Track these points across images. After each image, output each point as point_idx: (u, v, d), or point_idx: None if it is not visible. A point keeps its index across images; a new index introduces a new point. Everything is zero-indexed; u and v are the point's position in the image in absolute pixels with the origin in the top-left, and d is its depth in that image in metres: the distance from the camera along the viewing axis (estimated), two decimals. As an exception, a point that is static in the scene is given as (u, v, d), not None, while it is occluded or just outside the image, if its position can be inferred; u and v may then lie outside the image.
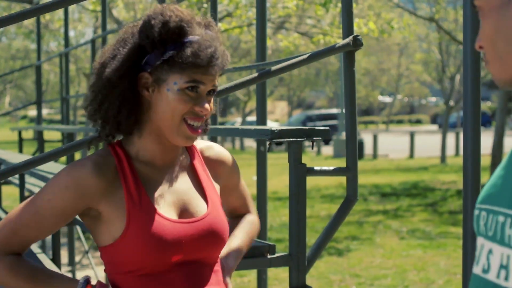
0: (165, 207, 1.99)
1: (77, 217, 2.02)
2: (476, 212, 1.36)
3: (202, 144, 2.19)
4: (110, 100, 1.97)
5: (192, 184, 2.08)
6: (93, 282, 2.01)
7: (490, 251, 1.30)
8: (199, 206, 2.05)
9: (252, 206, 2.38)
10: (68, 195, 1.93)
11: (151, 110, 1.99)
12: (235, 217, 2.36)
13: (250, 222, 2.33)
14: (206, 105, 1.97)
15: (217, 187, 2.15)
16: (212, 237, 2.02)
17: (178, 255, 1.95)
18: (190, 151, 2.14)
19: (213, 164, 2.17)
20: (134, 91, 1.98)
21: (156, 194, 1.99)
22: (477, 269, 1.33)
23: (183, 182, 2.06)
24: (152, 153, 2.02)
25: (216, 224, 2.04)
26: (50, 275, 1.97)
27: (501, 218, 1.27)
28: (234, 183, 2.25)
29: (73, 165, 1.97)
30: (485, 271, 1.30)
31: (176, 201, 2.02)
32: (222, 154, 2.20)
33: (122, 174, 1.97)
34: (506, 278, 1.25)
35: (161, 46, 1.95)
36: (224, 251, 2.21)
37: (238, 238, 2.26)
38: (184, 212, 2.02)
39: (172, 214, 1.99)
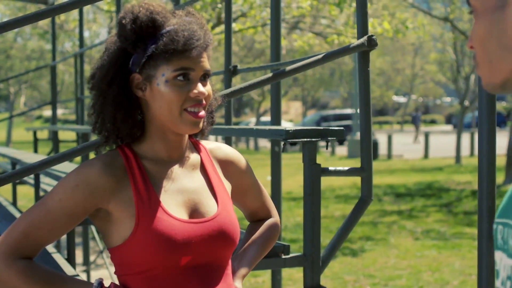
0: (175, 206, 1.98)
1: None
2: (494, 226, 1.35)
3: (211, 144, 2.18)
4: (105, 109, 1.99)
5: (202, 183, 2.07)
6: (106, 284, 2.00)
7: (505, 264, 1.29)
8: (210, 206, 2.04)
9: (273, 209, 2.36)
10: (78, 194, 1.93)
11: (150, 109, 2.00)
12: (256, 221, 2.34)
13: (269, 227, 2.31)
14: (200, 87, 1.97)
15: (227, 186, 2.14)
16: (222, 238, 2.01)
17: (187, 256, 1.94)
18: (199, 151, 2.13)
19: (223, 163, 2.16)
20: (128, 95, 1.99)
21: (166, 193, 1.99)
22: (497, 283, 1.33)
23: (193, 181, 2.06)
24: (159, 152, 2.03)
25: (227, 224, 2.03)
26: (63, 279, 1.96)
27: (510, 231, 1.27)
28: (247, 183, 2.23)
29: (82, 165, 1.98)
30: (503, 283, 1.29)
31: (186, 200, 2.01)
32: (231, 154, 2.19)
33: (131, 174, 1.98)
34: None
35: (141, 44, 1.95)
36: (238, 255, 2.20)
37: (255, 243, 2.25)
38: (194, 211, 2.01)
39: (182, 214, 1.98)
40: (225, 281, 2.04)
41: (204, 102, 1.99)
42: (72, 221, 1.96)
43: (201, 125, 2.00)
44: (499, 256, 1.33)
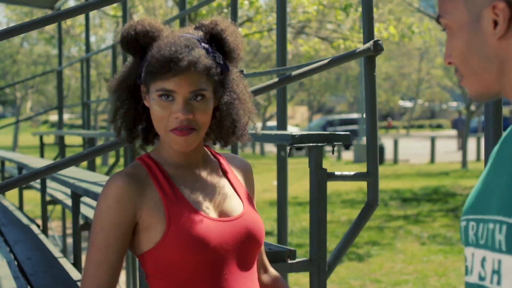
0: (203, 205, 2.00)
1: None
2: (463, 223, 1.38)
3: (224, 154, 2.20)
4: (119, 110, 2.04)
5: (225, 184, 2.09)
6: None
7: (483, 259, 1.31)
8: (234, 206, 2.05)
9: None
10: (113, 213, 1.94)
11: None
12: None
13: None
14: (180, 111, 1.91)
15: (248, 190, 2.17)
16: (249, 237, 2.01)
17: (217, 254, 1.94)
18: (216, 157, 2.15)
19: (240, 171, 2.18)
20: (138, 103, 2.03)
21: (192, 194, 2.00)
22: (472, 278, 1.35)
23: (216, 183, 2.07)
24: (176, 158, 2.04)
25: (254, 222, 2.04)
26: None
27: (491, 225, 1.29)
28: (251, 194, 2.24)
29: (105, 186, 1.99)
30: (482, 278, 1.31)
31: (212, 200, 2.03)
32: (245, 164, 2.22)
33: (155, 179, 1.99)
34: (499, 283, 1.27)
35: (143, 56, 1.99)
36: None
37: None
38: (220, 211, 2.03)
39: (210, 213, 2.00)
40: (252, 281, 2.04)
41: (189, 124, 1.93)
42: (122, 240, 1.96)
43: (190, 143, 1.96)
44: (470, 252, 1.36)
